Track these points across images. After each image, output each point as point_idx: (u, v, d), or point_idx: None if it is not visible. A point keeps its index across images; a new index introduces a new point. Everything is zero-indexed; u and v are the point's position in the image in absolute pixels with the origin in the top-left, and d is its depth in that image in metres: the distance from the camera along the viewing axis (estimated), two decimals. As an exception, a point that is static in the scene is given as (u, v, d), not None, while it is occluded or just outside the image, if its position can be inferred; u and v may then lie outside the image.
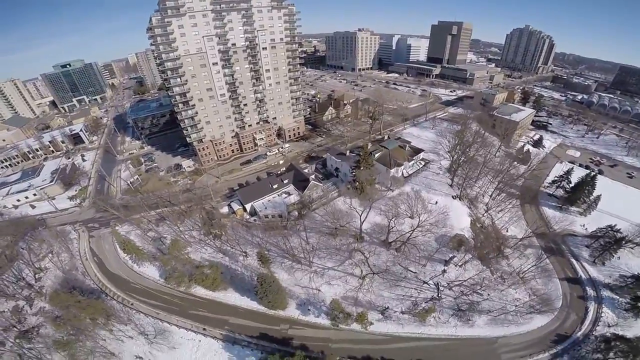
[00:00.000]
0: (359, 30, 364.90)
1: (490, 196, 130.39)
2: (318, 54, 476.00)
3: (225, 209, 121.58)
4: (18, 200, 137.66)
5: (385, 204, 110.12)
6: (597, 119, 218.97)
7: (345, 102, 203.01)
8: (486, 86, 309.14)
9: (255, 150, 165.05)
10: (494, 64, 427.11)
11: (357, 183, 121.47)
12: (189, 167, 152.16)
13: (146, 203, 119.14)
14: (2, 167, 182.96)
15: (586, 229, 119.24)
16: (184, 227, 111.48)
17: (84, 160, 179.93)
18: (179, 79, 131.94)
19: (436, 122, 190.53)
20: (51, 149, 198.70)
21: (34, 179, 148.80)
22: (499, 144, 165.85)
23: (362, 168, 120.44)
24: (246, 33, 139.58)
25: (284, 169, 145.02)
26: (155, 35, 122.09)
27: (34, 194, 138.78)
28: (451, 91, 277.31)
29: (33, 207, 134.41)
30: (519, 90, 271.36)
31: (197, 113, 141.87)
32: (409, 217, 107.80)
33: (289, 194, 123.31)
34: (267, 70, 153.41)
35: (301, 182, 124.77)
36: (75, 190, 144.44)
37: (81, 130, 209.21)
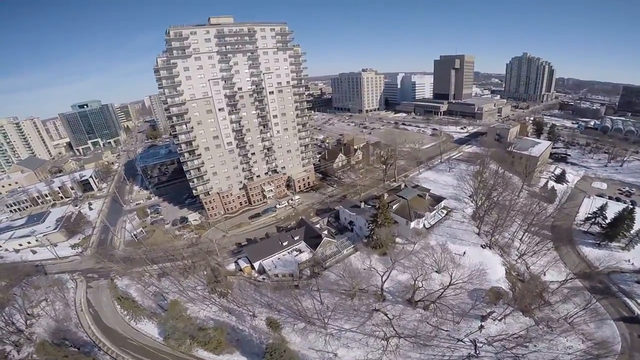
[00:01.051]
0: (363, 70, 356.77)
1: (521, 240, 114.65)
2: (324, 96, 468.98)
3: (232, 266, 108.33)
4: (20, 245, 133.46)
5: (407, 258, 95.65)
6: (617, 145, 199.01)
7: (355, 147, 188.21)
8: (495, 120, 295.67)
9: (264, 202, 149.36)
10: (498, 96, 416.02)
11: (375, 239, 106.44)
12: (195, 220, 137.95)
13: (149, 257, 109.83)
14: (10, 211, 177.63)
15: (632, 263, 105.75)
16: (188, 283, 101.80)
17: (90, 209, 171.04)
18: (184, 126, 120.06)
19: (452, 164, 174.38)
20: (60, 195, 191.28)
21: (38, 225, 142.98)
22: (521, 183, 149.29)
23: (379, 223, 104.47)
24: (252, 76, 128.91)
25: (295, 222, 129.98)
26: (161, 78, 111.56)
27: (36, 240, 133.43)
28: (462, 128, 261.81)
29: (34, 252, 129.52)
30: (530, 122, 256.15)
31: (203, 163, 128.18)
32: (436, 271, 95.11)
33: (300, 251, 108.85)
34: (275, 116, 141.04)
35: (313, 239, 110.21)
36: (79, 239, 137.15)
37: (91, 176, 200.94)
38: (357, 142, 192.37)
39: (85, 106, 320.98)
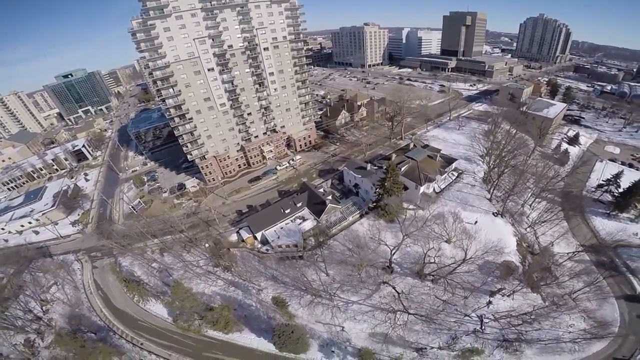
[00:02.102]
0: (365, 24, 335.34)
1: (531, 206, 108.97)
2: (324, 51, 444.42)
3: (234, 237, 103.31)
4: (22, 226, 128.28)
5: (414, 225, 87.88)
6: (634, 111, 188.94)
7: (359, 103, 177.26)
8: (507, 79, 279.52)
9: (263, 164, 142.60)
10: (509, 55, 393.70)
11: (382, 206, 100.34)
12: (193, 187, 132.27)
13: (149, 230, 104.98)
14: (8, 189, 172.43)
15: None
16: (191, 257, 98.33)
17: (86, 179, 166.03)
18: (171, 90, 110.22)
19: (462, 122, 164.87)
20: (55, 167, 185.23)
21: (36, 203, 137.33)
22: (534, 144, 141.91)
23: (387, 188, 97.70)
24: (244, 32, 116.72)
25: (297, 186, 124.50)
26: (139, 41, 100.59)
27: (37, 219, 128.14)
28: (471, 85, 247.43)
29: (37, 232, 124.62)
30: (544, 82, 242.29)
31: (195, 127, 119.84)
32: (446, 241, 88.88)
33: (303, 219, 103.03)
34: (271, 74, 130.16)
35: (317, 205, 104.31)
36: (78, 215, 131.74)
37: (83, 145, 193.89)
38: (360, 98, 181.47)
39: (70, 76, 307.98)
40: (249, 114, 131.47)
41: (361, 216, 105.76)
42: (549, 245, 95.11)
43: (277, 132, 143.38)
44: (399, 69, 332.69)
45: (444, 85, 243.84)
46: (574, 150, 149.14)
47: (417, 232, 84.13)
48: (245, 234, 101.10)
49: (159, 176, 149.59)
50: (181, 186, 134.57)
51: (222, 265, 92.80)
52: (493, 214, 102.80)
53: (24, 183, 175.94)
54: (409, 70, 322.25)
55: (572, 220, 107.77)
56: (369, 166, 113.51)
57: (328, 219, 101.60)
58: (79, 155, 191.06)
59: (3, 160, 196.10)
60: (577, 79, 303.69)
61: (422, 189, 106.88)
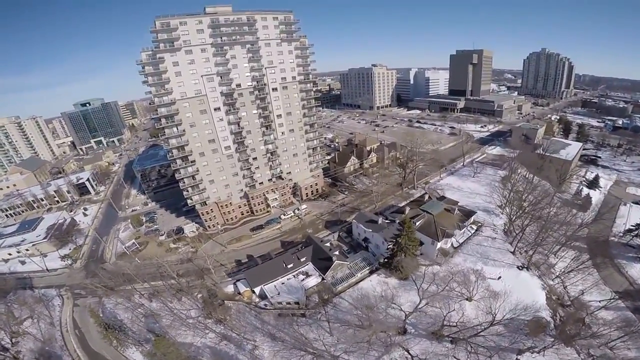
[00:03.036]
0: (373, 65, 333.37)
1: (556, 255, 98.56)
2: (333, 92, 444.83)
3: (230, 288, 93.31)
4: (9, 254, 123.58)
5: (429, 281, 79.29)
6: None
7: (368, 148, 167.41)
8: (516, 117, 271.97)
9: (267, 212, 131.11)
10: (516, 92, 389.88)
11: (395, 263, 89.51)
12: (192, 232, 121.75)
13: (140, 273, 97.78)
14: (6, 216, 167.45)
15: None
16: (181, 306, 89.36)
17: (85, 214, 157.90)
18: (175, 129, 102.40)
19: (476, 167, 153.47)
20: (56, 199, 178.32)
21: (28, 233, 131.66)
22: (553, 190, 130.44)
23: (402, 246, 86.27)
24: (253, 71, 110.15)
25: (301, 236, 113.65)
26: (147, 74, 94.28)
27: (26, 249, 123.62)
28: (482, 126, 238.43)
29: (23, 263, 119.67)
30: (556, 121, 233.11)
31: (198, 170, 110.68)
32: (467, 299, 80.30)
33: (307, 274, 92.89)
34: (279, 116, 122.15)
35: (322, 261, 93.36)
36: (69, 249, 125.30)
37: (88, 179, 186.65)
38: (370, 142, 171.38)
39: (87, 104, 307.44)
40: (255, 158, 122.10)
41: (371, 272, 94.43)
42: (579, 295, 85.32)
43: (282, 179, 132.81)
44: (408, 110, 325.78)
45: (454, 128, 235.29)
46: (595, 195, 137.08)
47: (433, 288, 75.87)
48: (242, 287, 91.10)
49: (158, 218, 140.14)
50: (179, 230, 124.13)
51: (214, 317, 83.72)
52: (517, 267, 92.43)
53: (23, 211, 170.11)
54: (418, 111, 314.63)
55: (602, 267, 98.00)
56: (380, 219, 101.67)
57: (334, 276, 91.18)
58: (81, 189, 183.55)
59: (8, 187, 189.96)
60: (586, 114, 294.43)
61: (439, 244, 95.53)
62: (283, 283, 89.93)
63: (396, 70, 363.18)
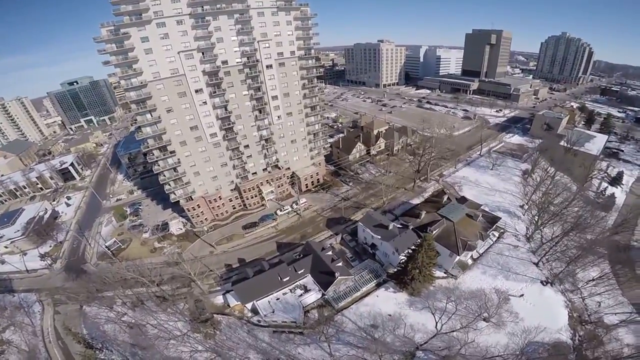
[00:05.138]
0: (380, 41, 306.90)
1: (575, 263, 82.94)
2: (336, 68, 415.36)
3: (220, 299, 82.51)
4: None
5: (446, 298, 70.12)
6: None
7: (376, 131, 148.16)
8: (533, 103, 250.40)
9: (262, 206, 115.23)
10: (531, 75, 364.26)
11: (407, 277, 76.47)
12: (178, 229, 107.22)
13: (122, 277, 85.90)
14: None
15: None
16: (167, 317, 79.97)
17: (67, 204, 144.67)
18: (148, 115, 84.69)
19: (495, 158, 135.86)
20: (39, 185, 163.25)
21: (7, 228, 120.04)
22: (576, 187, 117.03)
23: (419, 264, 72.62)
24: (242, 45, 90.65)
25: (299, 237, 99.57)
26: (109, 53, 75.97)
27: (5, 247, 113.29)
28: (497, 111, 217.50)
29: (2, 262, 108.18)
30: (577, 109, 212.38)
31: (179, 162, 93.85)
32: (484, 319, 70.24)
33: (305, 289, 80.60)
34: (274, 97, 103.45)
35: (323, 275, 79.65)
36: (50, 246, 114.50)
37: (72, 164, 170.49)
38: (377, 125, 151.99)
39: (75, 83, 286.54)
40: (246, 146, 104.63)
41: (378, 285, 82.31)
42: (597, 307, 77.45)
43: (280, 169, 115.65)
44: (416, 89, 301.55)
45: (468, 111, 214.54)
46: (618, 193, 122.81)
47: (450, 309, 67.01)
48: (233, 300, 79.67)
49: (143, 210, 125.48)
50: (165, 226, 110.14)
51: (203, 332, 75.09)
52: (541, 282, 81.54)
53: (5, 201, 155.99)
54: (427, 91, 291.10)
55: (621, 276, 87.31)
56: (391, 225, 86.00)
57: (336, 290, 79.35)
58: (65, 174, 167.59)
59: None
60: (606, 103, 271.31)
61: (460, 258, 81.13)
62: (278, 299, 78.32)
63: (405, 47, 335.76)
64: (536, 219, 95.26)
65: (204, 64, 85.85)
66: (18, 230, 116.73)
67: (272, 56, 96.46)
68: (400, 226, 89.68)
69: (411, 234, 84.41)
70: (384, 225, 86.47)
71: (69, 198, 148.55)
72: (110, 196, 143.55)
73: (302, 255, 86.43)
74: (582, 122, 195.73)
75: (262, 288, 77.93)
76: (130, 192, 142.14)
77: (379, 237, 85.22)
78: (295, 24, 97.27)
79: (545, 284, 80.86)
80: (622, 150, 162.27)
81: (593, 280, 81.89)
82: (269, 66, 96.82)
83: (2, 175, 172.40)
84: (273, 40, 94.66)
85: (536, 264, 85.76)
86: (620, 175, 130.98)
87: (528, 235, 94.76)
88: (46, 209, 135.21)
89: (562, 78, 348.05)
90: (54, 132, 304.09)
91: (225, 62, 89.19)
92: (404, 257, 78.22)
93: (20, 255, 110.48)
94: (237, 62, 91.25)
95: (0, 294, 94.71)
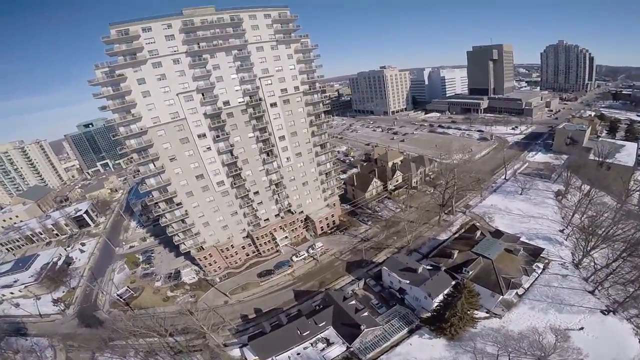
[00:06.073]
0: (383, 67, 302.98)
1: (632, 285, 73.91)
2: (342, 98, 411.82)
3: (236, 353, 73.93)
4: (3, 295, 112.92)
5: (491, 338, 64.39)
6: None
7: (391, 163, 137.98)
8: (547, 115, 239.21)
9: (276, 252, 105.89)
10: (538, 88, 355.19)
11: (447, 325, 66.08)
12: (191, 278, 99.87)
13: (134, 325, 79.47)
14: (7, 250, 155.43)
15: None
16: None
17: (82, 250, 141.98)
18: (151, 165, 78.52)
19: (522, 182, 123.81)
20: (55, 232, 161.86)
21: (22, 273, 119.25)
22: (617, 203, 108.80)
23: (459, 312, 62.97)
24: (243, 83, 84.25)
25: (317, 284, 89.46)
26: (104, 97, 71.00)
27: (19, 291, 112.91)
28: (513, 128, 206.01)
29: (17, 305, 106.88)
30: (596, 117, 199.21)
31: (187, 214, 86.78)
32: None
33: (327, 342, 70.75)
34: (282, 138, 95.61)
35: (347, 326, 69.77)
36: (63, 292, 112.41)
37: (86, 211, 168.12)
38: (392, 156, 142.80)
39: (90, 125, 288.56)
40: (256, 192, 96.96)
41: (410, 332, 71.79)
42: None
43: (293, 213, 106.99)
44: (426, 113, 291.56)
45: (483, 131, 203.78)
46: None
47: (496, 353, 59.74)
48: (250, 355, 70.69)
49: (155, 258, 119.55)
50: (177, 274, 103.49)
51: None
52: (602, 312, 70.97)
53: (22, 245, 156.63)
54: (437, 114, 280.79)
55: None
56: (420, 268, 75.48)
57: (363, 340, 69.36)
58: (80, 222, 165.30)
59: (11, 219, 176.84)
60: (621, 108, 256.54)
61: (503, 297, 70.72)
62: (299, 354, 69.16)
63: (409, 72, 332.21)
64: (583, 244, 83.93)
65: (205, 105, 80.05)
66: (32, 276, 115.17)
67: (276, 93, 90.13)
68: (430, 267, 79.00)
69: (444, 276, 74.39)
70: (412, 268, 76.36)
71: (83, 244, 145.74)
72: (123, 243, 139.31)
73: (322, 307, 76.23)
74: (605, 131, 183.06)
75: (280, 343, 68.70)
76: (142, 240, 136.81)
77: (408, 281, 75.23)
78: (297, 57, 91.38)
79: (606, 313, 70.33)
80: None
81: None
82: (273, 104, 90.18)
83: (20, 221, 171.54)
84: (275, 76, 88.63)
85: (592, 292, 75.32)
86: None
87: (576, 262, 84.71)
88: (60, 254, 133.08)
89: (569, 87, 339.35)
90: (73, 176, 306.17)
91: (227, 103, 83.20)
92: (439, 303, 68.44)
93: (34, 299, 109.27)
94: (240, 102, 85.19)
95: (13, 337, 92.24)
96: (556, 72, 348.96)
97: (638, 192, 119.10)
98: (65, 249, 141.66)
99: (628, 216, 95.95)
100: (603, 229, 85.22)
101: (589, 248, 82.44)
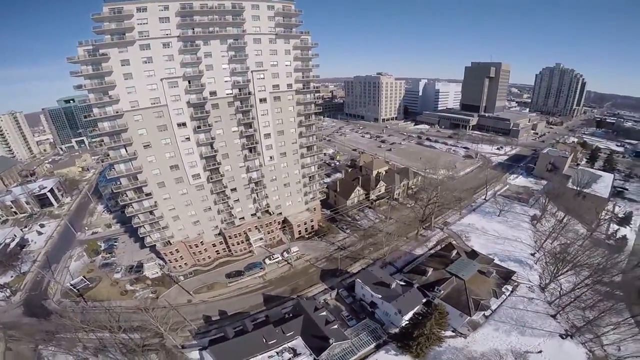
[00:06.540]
0: (379, 74, 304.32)
1: (590, 310, 78.30)
2: (335, 100, 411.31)
3: (195, 354, 71.20)
4: None
5: (455, 358, 67.65)
6: None
7: (375, 171, 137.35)
8: (532, 138, 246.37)
9: (249, 253, 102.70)
10: (527, 109, 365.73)
11: (415, 344, 66.12)
12: (154, 273, 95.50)
13: (85, 319, 76.93)
14: None
15: None
16: None
17: (39, 232, 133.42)
18: (123, 151, 74.49)
19: (501, 204, 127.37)
20: (13, 209, 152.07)
21: None
22: (587, 231, 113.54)
23: (427, 332, 63.12)
24: (234, 75, 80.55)
25: (289, 290, 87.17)
26: (83, 75, 66.65)
27: None
28: (498, 148, 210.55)
29: None
30: (579, 145, 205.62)
31: (156, 205, 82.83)
32: None
33: (294, 352, 68.45)
34: (267, 136, 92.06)
35: (316, 338, 68.00)
36: (11, 277, 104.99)
37: (51, 189, 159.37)
38: (377, 165, 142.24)
39: (72, 101, 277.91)
40: (233, 189, 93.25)
41: (377, 347, 71.87)
42: (618, 352, 70.81)
43: (270, 214, 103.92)
44: (415, 124, 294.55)
45: (469, 149, 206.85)
46: (628, 233, 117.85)
47: None
48: (210, 359, 66.05)
49: (118, 247, 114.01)
50: (139, 267, 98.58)
51: None
52: (560, 335, 74.50)
53: None
54: (427, 126, 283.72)
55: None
56: (393, 284, 75.09)
57: (330, 353, 68.28)
58: (43, 200, 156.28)
59: None
60: (603, 136, 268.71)
61: (472, 318, 71.94)
62: None
63: (405, 81, 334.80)
64: (552, 269, 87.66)
65: (190, 94, 76.31)
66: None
67: (267, 89, 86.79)
68: (403, 284, 78.85)
69: (416, 294, 74.69)
70: (386, 283, 75.99)
71: (42, 226, 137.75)
72: (86, 228, 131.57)
73: (291, 315, 74.29)
74: (585, 159, 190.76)
75: (243, 350, 65.69)
76: (108, 226, 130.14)
77: (380, 296, 74.80)
78: (294, 54, 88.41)
79: (564, 337, 73.76)
80: (627, 189, 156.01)
81: (612, 326, 74.52)
82: (263, 100, 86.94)
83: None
84: (269, 70, 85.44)
85: (553, 316, 78.50)
86: (629, 216, 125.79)
87: (542, 286, 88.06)
88: (15, 235, 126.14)
89: (557, 110, 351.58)
90: (44, 150, 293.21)
91: (213, 93, 79.59)
92: (408, 320, 68.74)
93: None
94: (227, 94, 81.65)
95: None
96: (547, 95, 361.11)
97: (607, 222, 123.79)
98: (21, 230, 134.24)
99: (596, 244, 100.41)
100: (572, 256, 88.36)
101: (557, 273, 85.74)
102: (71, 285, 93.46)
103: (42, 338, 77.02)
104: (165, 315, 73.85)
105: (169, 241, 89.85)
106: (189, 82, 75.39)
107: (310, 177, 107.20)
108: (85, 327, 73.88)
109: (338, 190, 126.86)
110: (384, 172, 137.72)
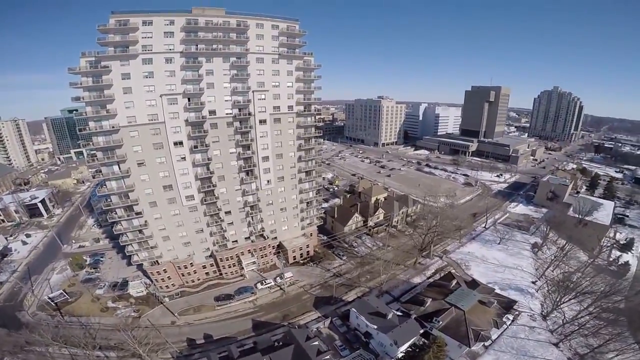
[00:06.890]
0: (380, 97, 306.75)
1: (592, 337, 77.48)
2: (336, 123, 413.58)
3: None
4: None
5: None
6: None
7: (374, 198, 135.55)
8: (531, 165, 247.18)
9: (240, 276, 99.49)
10: (526, 134, 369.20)
11: None
12: (139, 292, 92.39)
13: (59, 334, 73.94)
14: None
15: None
16: None
17: (24, 243, 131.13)
18: (116, 167, 73.33)
19: (501, 231, 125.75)
20: (1, 217, 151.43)
21: None
22: (588, 259, 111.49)
23: None
24: (235, 94, 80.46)
25: (281, 317, 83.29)
26: (82, 87, 66.52)
27: None
28: (497, 175, 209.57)
29: None
30: (578, 171, 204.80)
31: (146, 224, 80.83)
32: None
33: None
34: (265, 159, 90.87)
35: None
36: None
37: (42, 200, 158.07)
38: (376, 191, 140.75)
39: (75, 111, 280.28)
40: (228, 212, 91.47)
41: None
42: None
43: (265, 239, 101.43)
44: (415, 150, 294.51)
45: (468, 176, 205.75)
46: (630, 259, 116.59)
47: None
48: None
49: (104, 262, 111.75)
50: (123, 285, 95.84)
51: None
52: None
53: None
54: (426, 152, 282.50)
55: None
56: (390, 314, 72.28)
57: None
58: (33, 210, 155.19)
59: None
60: (602, 162, 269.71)
61: (472, 349, 69.67)
62: None
63: (405, 105, 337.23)
64: (554, 297, 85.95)
65: (189, 111, 76.03)
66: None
67: (267, 110, 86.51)
68: (400, 314, 76.19)
69: (413, 324, 72.14)
70: (382, 313, 73.22)
71: (28, 236, 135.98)
72: (73, 241, 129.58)
73: (281, 344, 70.85)
74: (585, 187, 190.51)
75: None
76: (96, 240, 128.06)
77: (375, 326, 71.79)
78: (297, 75, 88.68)
79: None
80: (628, 216, 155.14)
81: (615, 352, 73.41)
82: (263, 121, 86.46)
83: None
84: (270, 91, 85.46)
85: (556, 345, 76.78)
86: (631, 242, 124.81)
87: (544, 314, 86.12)
88: None
89: (555, 135, 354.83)
90: (42, 159, 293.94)
91: (212, 112, 79.20)
92: (404, 352, 66.29)
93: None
94: (227, 114, 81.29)
95: None
96: (545, 119, 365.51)
97: (609, 249, 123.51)
98: (6, 238, 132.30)
99: (598, 271, 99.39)
100: (574, 283, 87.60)
101: (560, 301, 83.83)
102: (49, 298, 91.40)
103: (10, 350, 74.12)
104: (146, 336, 70.87)
105: (157, 261, 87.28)
106: (189, 99, 75.35)
107: (307, 202, 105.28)
108: (55, 343, 70.87)
109: (336, 216, 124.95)
110: (383, 199, 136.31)
